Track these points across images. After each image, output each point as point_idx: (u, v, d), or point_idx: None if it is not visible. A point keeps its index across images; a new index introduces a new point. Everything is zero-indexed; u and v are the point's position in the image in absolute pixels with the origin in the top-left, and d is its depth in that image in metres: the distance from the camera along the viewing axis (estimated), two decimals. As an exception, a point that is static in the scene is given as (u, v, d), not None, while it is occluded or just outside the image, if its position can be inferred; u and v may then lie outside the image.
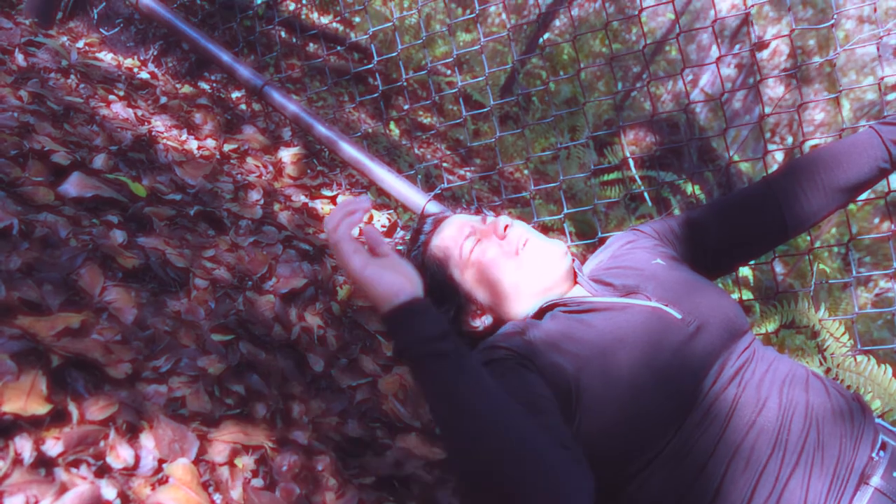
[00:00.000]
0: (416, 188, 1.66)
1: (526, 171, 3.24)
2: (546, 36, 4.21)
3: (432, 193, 1.65)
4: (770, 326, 1.95)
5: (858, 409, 1.01)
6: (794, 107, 1.55)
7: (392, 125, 2.71)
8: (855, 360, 1.50)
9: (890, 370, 1.43)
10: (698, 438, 0.95)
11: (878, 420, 1.03)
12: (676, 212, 2.81)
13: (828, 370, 1.56)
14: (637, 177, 2.86)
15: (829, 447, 0.94)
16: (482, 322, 1.13)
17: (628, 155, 2.67)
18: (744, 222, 1.23)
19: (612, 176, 2.80)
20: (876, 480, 0.92)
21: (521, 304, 1.11)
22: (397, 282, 0.83)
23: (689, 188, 2.68)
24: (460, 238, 1.14)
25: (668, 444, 0.96)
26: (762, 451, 0.94)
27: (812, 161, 1.22)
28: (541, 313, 1.08)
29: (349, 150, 1.72)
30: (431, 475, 1.00)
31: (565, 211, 1.72)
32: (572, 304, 1.06)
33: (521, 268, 1.10)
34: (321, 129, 1.76)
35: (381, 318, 0.83)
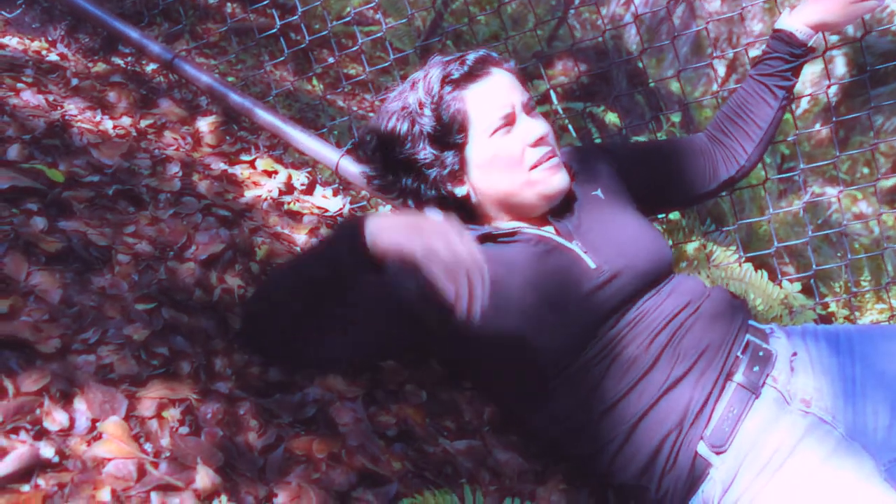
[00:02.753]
0: (329, 145, 1.75)
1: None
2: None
3: (344, 149, 1.75)
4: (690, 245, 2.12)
5: (742, 317, 1.15)
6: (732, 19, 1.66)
7: (315, 80, 2.75)
8: (739, 265, 1.67)
9: (766, 274, 1.60)
10: (588, 372, 1.08)
11: (749, 322, 1.17)
12: (598, 141, 2.93)
13: (713, 281, 1.73)
14: (559, 109, 2.97)
15: (716, 358, 1.07)
16: (458, 191, 1.18)
17: (549, 86, 2.77)
18: (693, 167, 1.35)
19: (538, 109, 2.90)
20: (738, 377, 1.06)
21: (495, 211, 1.20)
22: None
23: (607, 117, 2.80)
24: (496, 112, 1.11)
25: (560, 375, 1.09)
26: (651, 374, 1.06)
27: (731, 116, 1.35)
28: (483, 238, 1.14)
29: (264, 116, 1.79)
30: (341, 407, 1.14)
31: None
32: (509, 235, 1.14)
33: (525, 186, 1.14)
34: (235, 98, 1.82)
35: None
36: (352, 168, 1.70)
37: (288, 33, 2.87)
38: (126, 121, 1.76)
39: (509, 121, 1.12)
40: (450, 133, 1.13)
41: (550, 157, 1.13)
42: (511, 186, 1.15)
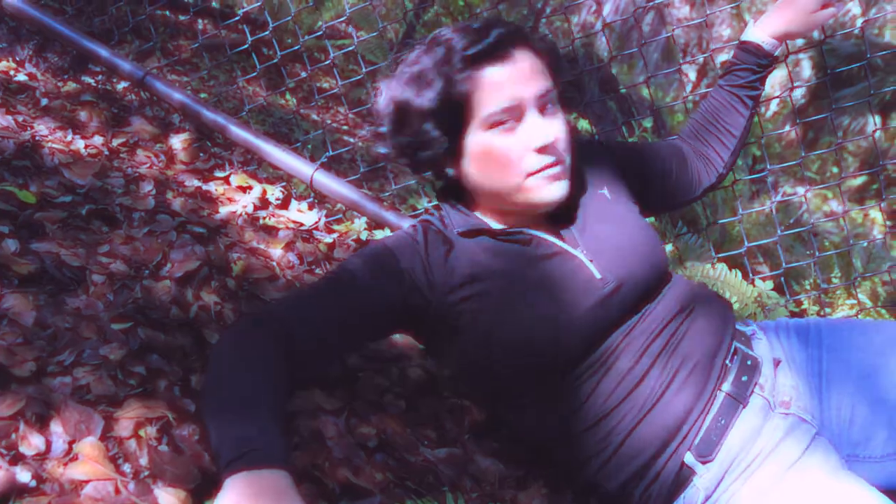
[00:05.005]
0: (303, 159, 1.76)
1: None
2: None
3: (318, 162, 1.75)
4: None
5: (730, 322, 1.14)
6: (701, 25, 1.69)
7: (288, 94, 2.76)
8: (713, 266, 1.70)
9: (740, 273, 1.63)
10: (584, 382, 1.05)
11: (736, 326, 1.16)
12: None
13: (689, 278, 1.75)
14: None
15: (707, 368, 1.05)
16: (449, 172, 1.11)
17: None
18: (685, 173, 1.34)
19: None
20: (727, 386, 1.04)
21: (487, 203, 1.13)
22: None
23: (579, 124, 2.84)
24: (499, 103, 1.00)
25: (556, 383, 1.07)
26: (643, 384, 1.04)
27: (706, 126, 1.37)
28: (474, 233, 1.09)
29: (238, 132, 1.80)
30: (322, 420, 1.14)
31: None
32: (511, 235, 1.09)
33: (517, 191, 1.06)
34: (208, 115, 1.82)
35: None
36: (326, 181, 1.71)
37: (260, 48, 2.87)
38: (98, 140, 1.76)
39: (514, 116, 1.01)
40: (451, 115, 1.02)
41: (554, 165, 1.04)
42: (501, 188, 1.07)
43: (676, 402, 1.02)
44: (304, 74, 2.74)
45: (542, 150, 1.02)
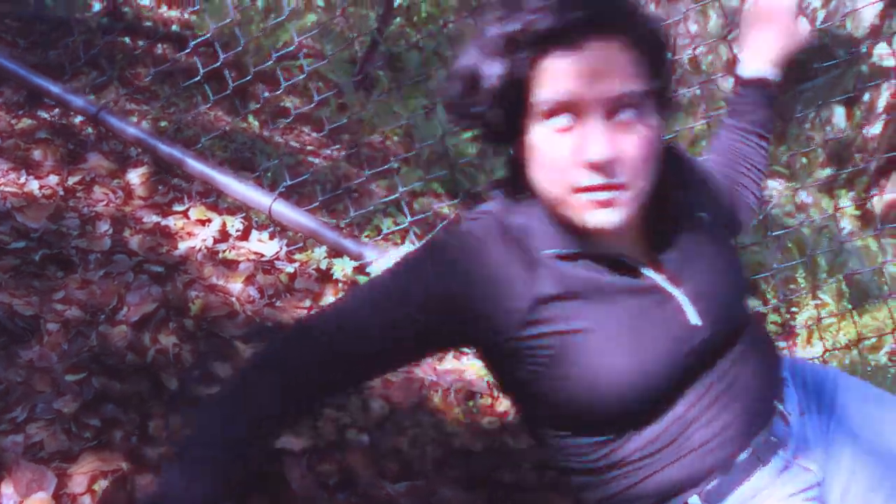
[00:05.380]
0: (261, 190, 1.76)
1: (396, 138, 3.34)
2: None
3: (276, 192, 1.76)
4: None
5: (776, 380, 1.05)
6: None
7: (251, 118, 2.75)
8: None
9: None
10: (634, 425, 0.94)
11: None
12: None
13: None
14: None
15: (745, 422, 0.97)
16: (509, 153, 0.92)
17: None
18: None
19: (470, 134, 2.93)
20: (756, 442, 0.96)
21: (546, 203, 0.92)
22: None
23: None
24: (552, 95, 0.82)
25: (611, 435, 0.96)
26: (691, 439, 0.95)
27: (739, 170, 1.24)
28: (574, 257, 0.91)
29: (195, 166, 1.79)
30: (285, 460, 1.14)
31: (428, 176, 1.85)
32: (602, 259, 0.91)
33: (563, 204, 0.86)
34: (164, 149, 1.82)
35: None
36: (285, 211, 1.71)
37: (222, 71, 2.87)
38: (53, 179, 1.74)
39: (572, 113, 0.83)
40: (511, 95, 0.87)
41: (605, 189, 0.84)
42: (548, 194, 0.88)
43: (709, 457, 0.96)
44: (266, 95, 2.74)
45: (594, 166, 0.83)
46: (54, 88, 1.90)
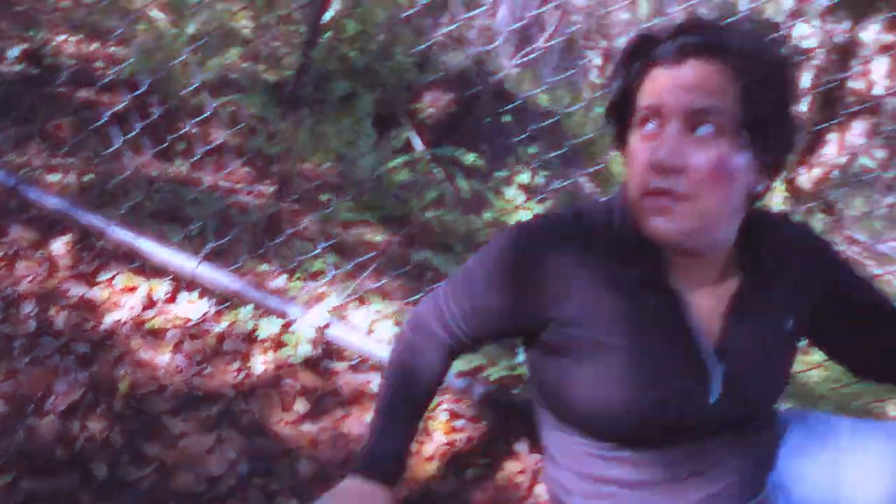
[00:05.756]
0: (183, 253, 1.81)
1: (328, 164, 3.39)
2: (329, 15, 4.29)
3: (201, 255, 1.80)
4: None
5: (767, 467, 1.06)
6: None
7: (177, 161, 2.77)
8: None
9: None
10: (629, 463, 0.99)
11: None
12: (490, 196, 2.99)
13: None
14: (425, 157, 3.09)
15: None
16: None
17: (410, 135, 2.88)
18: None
19: (400, 160, 3.00)
20: None
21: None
22: None
23: (467, 158, 2.94)
24: (647, 98, 0.90)
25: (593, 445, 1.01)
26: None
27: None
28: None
29: (117, 234, 1.83)
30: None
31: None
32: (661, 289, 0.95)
33: (636, 205, 0.93)
34: (85, 219, 1.85)
35: None
36: (209, 274, 1.76)
37: (145, 110, 2.87)
38: (-26, 259, 1.76)
39: (656, 120, 0.89)
40: (623, 105, 0.97)
41: (660, 195, 0.88)
42: (630, 195, 0.94)
43: None
44: (185, 129, 2.76)
45: (656, 167, 0.87)
46: (-31, 163, 1.91)
